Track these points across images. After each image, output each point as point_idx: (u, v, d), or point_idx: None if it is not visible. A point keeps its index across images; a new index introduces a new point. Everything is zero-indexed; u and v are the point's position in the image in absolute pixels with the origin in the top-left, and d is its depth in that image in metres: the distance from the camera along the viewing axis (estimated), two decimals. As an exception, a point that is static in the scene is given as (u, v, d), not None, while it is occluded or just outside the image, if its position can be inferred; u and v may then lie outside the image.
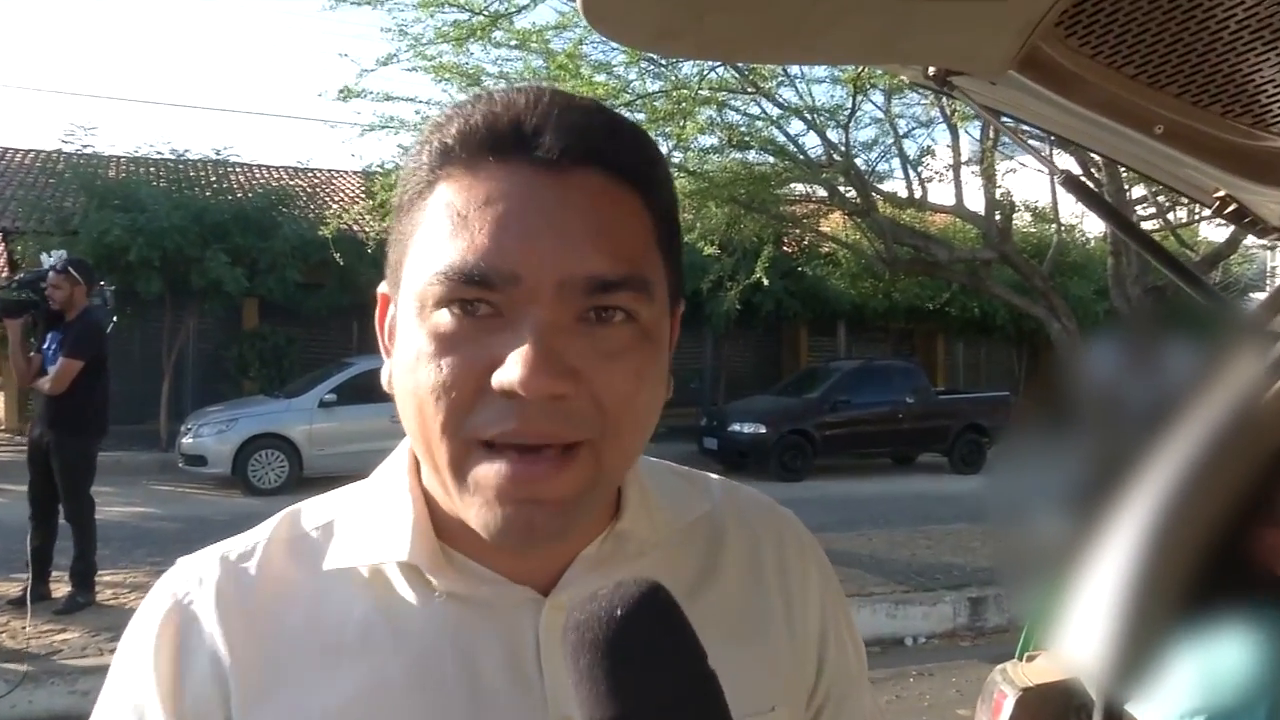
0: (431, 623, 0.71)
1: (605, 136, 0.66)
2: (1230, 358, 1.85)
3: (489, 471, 0.63)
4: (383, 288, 0.72)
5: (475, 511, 0.64)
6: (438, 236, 0.64)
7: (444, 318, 0.63)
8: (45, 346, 5.93)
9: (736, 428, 14.25)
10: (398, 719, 0.68)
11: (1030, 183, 12.01)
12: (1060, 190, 11.44)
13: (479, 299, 0.62)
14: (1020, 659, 2.22)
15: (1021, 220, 14.63)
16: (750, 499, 0.88)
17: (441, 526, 0.72)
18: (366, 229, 13.10)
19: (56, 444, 5.81)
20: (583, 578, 0.72)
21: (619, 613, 0.53)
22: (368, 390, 11.93)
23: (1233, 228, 1.93)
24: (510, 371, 0.60)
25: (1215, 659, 1.82)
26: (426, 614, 0.71)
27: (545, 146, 0.63)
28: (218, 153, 17.04)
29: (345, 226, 13.23)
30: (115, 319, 6.78)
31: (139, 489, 11.51)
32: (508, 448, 0.62)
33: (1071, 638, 1.95)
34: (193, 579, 0.73)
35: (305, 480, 11.85)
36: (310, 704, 0.68)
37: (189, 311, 14.87)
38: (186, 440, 12.18)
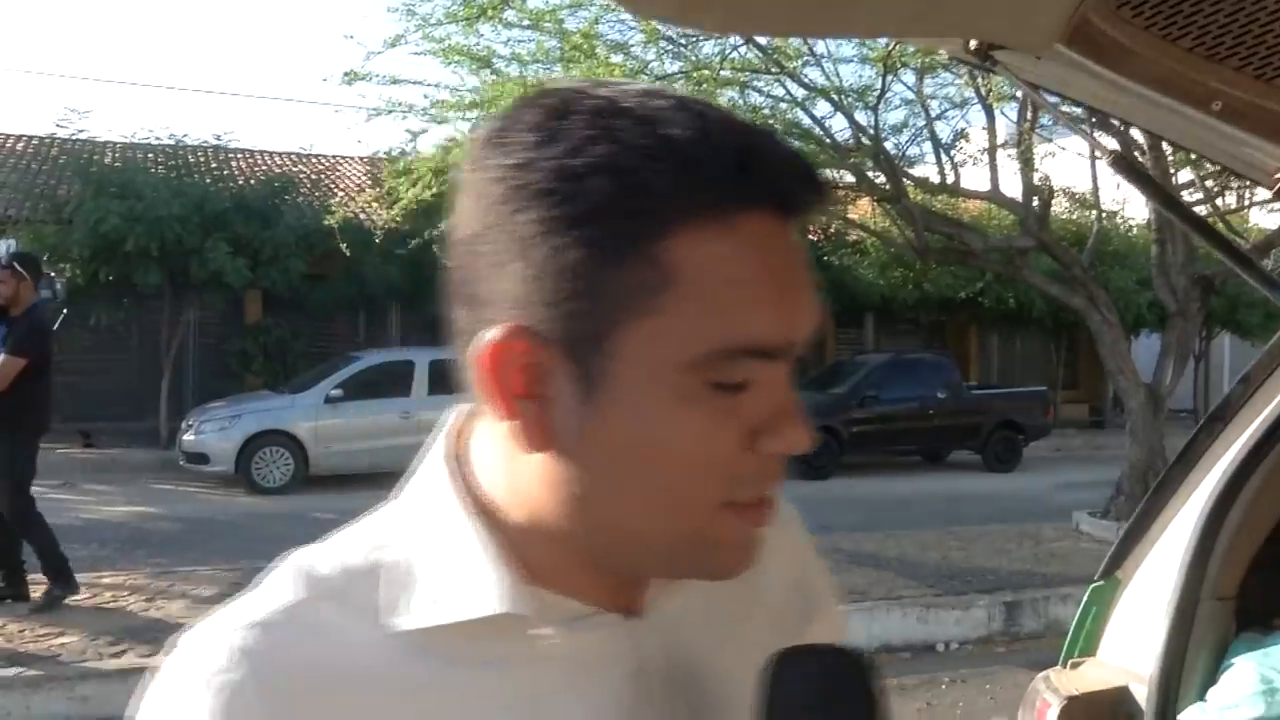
0: (548, 674, 0.66)
1: (814, 176, 0.63)
2: None
3: (738, 524, 0.64)
4: (499, 330, 0.60)
5: (716, 562, 0.65)
6: (705, 304, 0.59)
7: (709, 390, 0.60)
8: None
9: (760, 424, 14.04)
10: None
11: (1069, 167, 11.78)
12: (1101, 175, 11.34)
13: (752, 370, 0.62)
14: (1064, 666, 2.20)
15: (1060, 206, 14.63)
16: None
17: (519, 563, 0.66)
18: (374, 217, 13.43)
19: None
20: (667, 593, 0.71)
21: (850, 668, 0.63)
22: (375, 385, 12.31)
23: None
24: (794, 439, 0.62)
25: (1275, 665, 1.82)
26: (538, 667, 0.66)
27: (791, 195, 0.62)
28: (218, 138, 17.00)
29: (351, 215, 13.45)
30: (65, 311, 6.80)
31: (139, 488, 11.52)
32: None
33: (1120, 644, 2.09)
34: (228, 655, 0.60)
35: (311, 479, 12.13)
36: None
37: (189, 304, 14.83)
38: (188, 437, 12.19)
